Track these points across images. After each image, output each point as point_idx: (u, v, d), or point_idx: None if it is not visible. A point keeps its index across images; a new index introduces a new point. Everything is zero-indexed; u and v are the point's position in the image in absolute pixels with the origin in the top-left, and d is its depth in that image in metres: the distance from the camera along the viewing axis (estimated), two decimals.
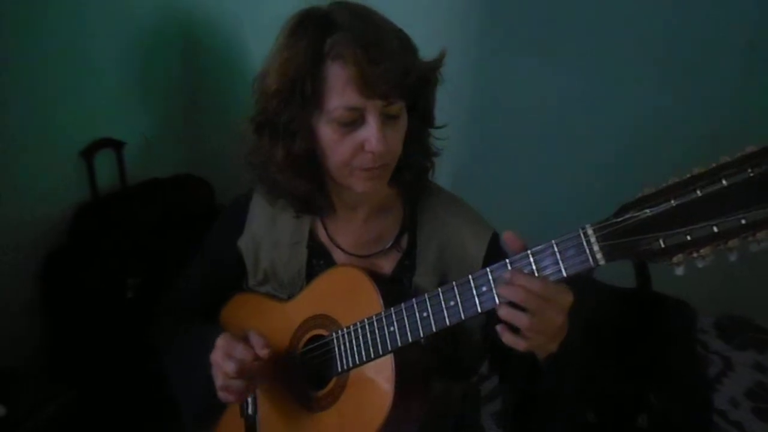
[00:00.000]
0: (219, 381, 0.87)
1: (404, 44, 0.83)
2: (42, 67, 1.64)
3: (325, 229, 0.99)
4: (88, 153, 1.80)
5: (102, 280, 1.62)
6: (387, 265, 0.97)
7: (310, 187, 0.90)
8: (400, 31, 0.84)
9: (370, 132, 0.81)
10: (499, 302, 0.73)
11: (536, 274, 0.72)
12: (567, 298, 0.73)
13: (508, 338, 0.72)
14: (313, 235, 1.00)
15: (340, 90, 0.80)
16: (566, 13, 1.86)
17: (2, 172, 1.57)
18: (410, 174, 0.93)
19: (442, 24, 1.98)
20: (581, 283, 1.47)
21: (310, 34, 0.80)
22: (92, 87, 1.79)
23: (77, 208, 1.77)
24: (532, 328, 0.70)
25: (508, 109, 2.02)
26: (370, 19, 0.82)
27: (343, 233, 0.99)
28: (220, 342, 0.88)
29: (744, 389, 1.53)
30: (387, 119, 0.83)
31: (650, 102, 1.84)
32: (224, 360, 0.86)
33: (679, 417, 1.28)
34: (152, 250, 1.72)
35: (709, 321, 1.87)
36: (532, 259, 0.72)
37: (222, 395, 0.89)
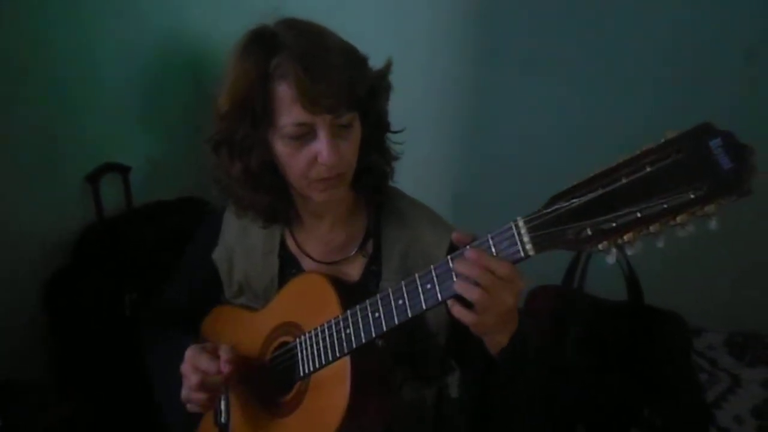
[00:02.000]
0: (183, 392, 0.90)
1: (349, 58, 0.85)
2: (49, 93, 1.73)
3: (294, 238, 1.02)
4: (94, 177, 1.86)
5: (101, 298, 1.67)
6: (354, 271, 0.98)
7: (270, 200, 0.93)
8: (346, 45, 0.87)
9: (321, 145, 0.84)
10: (456, 279, 0.73)
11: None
12: (520, 282, 0.73)
13: (457, 310, 0.73)
14: (283, 245, 1.03)
15: (287, 108, 0.83)
16: (563, 25, 1.88)
17: (9, 194, 1.65)
18: (371, 179, 0.95)
19: (440, 37, 2.03)
20: (574, 297, 1.46)
21: (256, 55, 0.84)
22: (99, 113, 1.86)
23: (83, 229, 1.83)
24: (483, 303, 0.71)
25: (508, 122, 2.03)
26: (314, 37, 0.84)
27: (311, 241, 1.01)
28: (188, 354, 0.91)
29: (750, 407, 1.47)
30: (338, 130, 0.85)
31: (648, 111, 1.83)
32: (190, 372, 0.89)
33: (673, 430, 1.24)
34: (153, 268, 1.76)
35: (719, 337, 1.82)
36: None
37: (188, 406, 0.91)
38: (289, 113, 0.83)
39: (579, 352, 1.32)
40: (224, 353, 0.89)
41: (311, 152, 0.85)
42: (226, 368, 0.88)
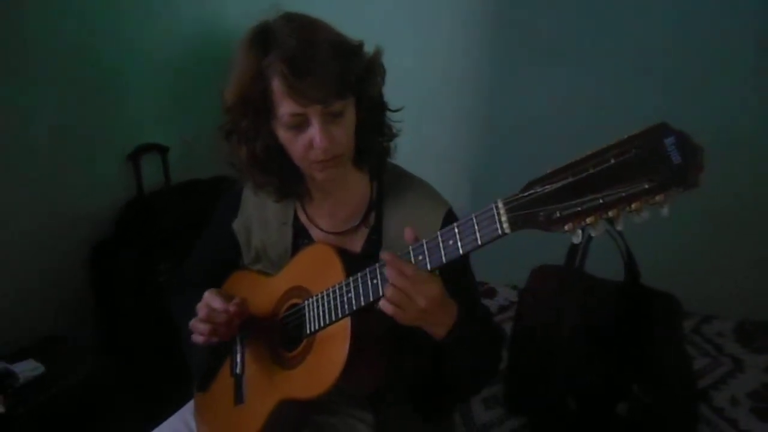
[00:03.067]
0: (190, 323, 1.02)
1: (338, 51, 0.93)
2: (96, 78, 1.88)
3: (305, 211, 1.12)
4: (135, 156, 2.03)
5: (139, 266, 1.83)
6: (358, 241, 1.08)
7: (279, 179, 1.04)
8: (336, 38, 0.96)
9: (314, 133, 0.94)
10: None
11: (459, 243, 0.81)
12: (432, 288, 0.84)
13: (381, 303, 0.86)
14: (296, 217, 1.14)
15: (281, 100, 0.93)
16: (575, 18, 1.92)
17: (59, 172, 1.82)
18: (371, 157, 1.05)
19: (458, 30, 2.09)
20: (574, 276, 1.53)
21: (253, 53, 0.93)
22: (141, 97, 2.02)
23: (124, 204, 1.99)
24: (394, 300, 0.84)
25: (524, 114, 2.08)
26: (304, 34, 0.93)
27: (319, 214, 1.11)
28: (206, 294, 1.03)
29: (749, 390, 1.51)
30: (331, 117, 0.94)
31: (659, 101, 1.86)
32: (202, 306, 1.02)
33: (660, 407, 1.30)
34: (186, 240, 1.91)
35: (729, 325, 1.84)
36: (456, 230, 0.81)
37: (193, 336, 1.03)
38: (284, 105, 0.93)
39: (574, 329, 1.38)
40: (237, 299, 1.02)
41: (307, 138, 0.95)
42: (233, 308, 1.00)
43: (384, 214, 1.07)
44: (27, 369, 1.48)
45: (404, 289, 0.83)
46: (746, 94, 1.75)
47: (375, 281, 0.91)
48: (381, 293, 0.87)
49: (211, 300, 1.01)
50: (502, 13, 2.00)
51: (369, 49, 1.01)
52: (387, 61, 2.13)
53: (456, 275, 1.02)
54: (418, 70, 2.16)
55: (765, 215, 1.90)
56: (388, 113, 1.07)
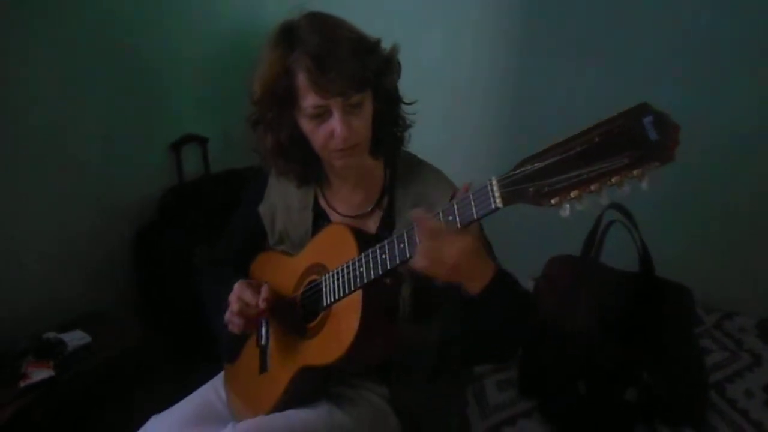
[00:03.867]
0: (226, 315, 1.12)
1: (357, 49, 1.01)
2: (142, 72, 2.01)
3: (324, 196, 1.21)
4: (177, 146, 2.16)
5: (178, 249, 1.95)
6: (373, 223, 1.16)
7: (301, 166, 1.13)
8: (356, 36, 1.03)
9: (335, 123, 1.02)
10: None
11: (457, 219, 0.87)
12: (461, 241, 0.87)
13: (413, 260, 0.88)
14: (316, 202, 1.22)
15: (305, 93, 1.01)
16: (604, 12, 1.94)
17: (107, 161, 1.96)
18: (386, 145, 1.12)
19: (486, 25, 2.13)
20: (590, 266, 1.57)
21: (280, 49, 1.02)
22: (183, 91, 2.14)
23: (166, 191, 2.13)
24: (425, 254, 0.87)
25: (547, 110, 2.11)
26: (326, 32, 1.01)
27: (337, 198, 1.20)
28: (236, 286, 1.13)
29: (764, 383, 1.51)
30: (350, 108, 1.02)
31: (681, 101, 1.87)
32: (234, 300, 1.10)
33: (668, 394, 1.33)
34: (222, 225, 2.03)
35: (751, 321, 1.84)
36: (455, 207, 0.88)
37: (229, 326, 1.12)
38: (307, 98, 1.01)
39: (588, 316, 1.42)
40: (264, 292, 1.10)
41: (328, 128, 1.03)
42: (263, 304, 1.09)
43: (396, 198, 1.15)
44: (75, 339, 1.62)
45: (434, 245, 0.86)
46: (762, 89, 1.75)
47: (384, 256, 0.97)
48: (408, 255, 0.91)
49: (242, 293, 1.10)
50: (531, 7, 2.03)
51: (386, 45, 1.09)
52: (415, 53, 2.20)
53: None
54: (447, 62, 2.22)
55: None
56: (403, 106, 1.15)
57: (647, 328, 1.37)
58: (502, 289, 0.95)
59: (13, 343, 1.62)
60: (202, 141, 2.25)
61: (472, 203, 0.86)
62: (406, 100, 1.15)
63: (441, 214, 0.89)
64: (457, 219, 0.86)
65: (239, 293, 1.11)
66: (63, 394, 1.48)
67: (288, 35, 1.03)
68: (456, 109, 2.24)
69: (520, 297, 1.03)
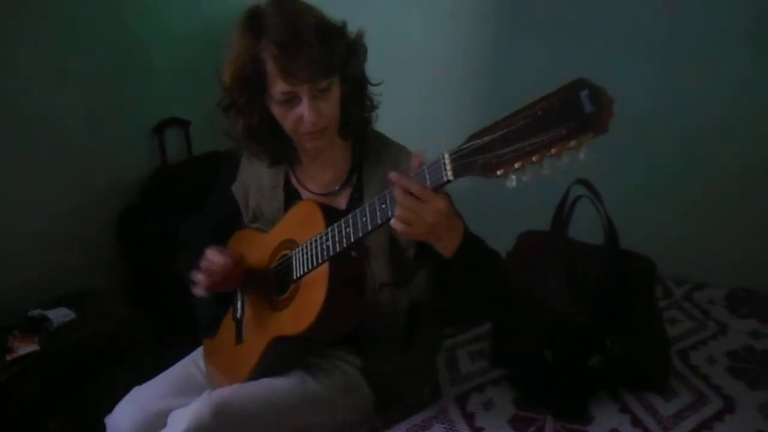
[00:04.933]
0: (193, 273, 1.16)
1: (321, 35, 1.03)
2: (121, 57, 2.04)
3: (295, 175, 1.25)
4: (160, 129, 2.19)
5: (161, 230, 1.99)
6: (342, 200, 1.20)
7: (271, 148, 1.17)
8: (322, 22, 1.06)
9: (303, 108, 1.05)
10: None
11: (429, 183, 0.89)
12: (439, 202, 0.89)
13: (392, 222, 0.91)
14: (288, 181, 1.26)
15: (273, 81, 1.04)
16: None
17: (90, 143, 1.99)
18: (353, 127, 1.16)
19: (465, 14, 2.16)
20: (560, 240, 1.62)
21: (247, 37, 1.04)
22: (165, 74, 2.17)
23: (149, 173, 2.16)
24: (403, 217, 0.89)
25: (526, 90, 2.14)
26: (291, 18, 1.03)
27: (308, 177, 1.24)
28: (207, 250, 1.17)
29: (727, 350, 1.56)
30: (318, 93, 1.06)
31: (658, 82, 1.91)
32: (203, 260, 1.15)
33: (630, 360, 1.38)
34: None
35: (720, 293, 1.89)
36: (426, 172, 0.91)
37: (193, 289, 1.16)
38: (276, 85, 1.04)
39: (557, 288, 1.47)
40: (231, 252, 1.16)
41: (297, 113, 1.07)
42: (224, 261, 1.13)
43: (365, 176, 1.19)
44: (60, 315, 1.67)
45: (412, 205, 0.88)
46: (743, 72, 1.78)
47: (348, 229, 1.01)
48: (390, 215, 0.93)
49: (210, 255, 1.15)
50: None
51: (365, 28, 1.12)
52: (396, 35, 2.21)
53: None
54: (427, 43, 2.25)
55: (763, 186, 1.94)
56: (370, 87, 1.19)
57: (612, 298, 1.42)
58: (473, 249, 1.00)
59: (1, 320, 1.67)
60: (185, 124, 2.27)
61: (427, 176, 0.90)
62: (372, 82, 1.19)
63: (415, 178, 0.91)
64: (428, 183, 0.89)
65: (208, 254, 1.16)
66: (48, 367, 1.54)
67: (254, 22, 1.06)
68: (436, 89, 2.27)
69: (490, 256, 1.08)
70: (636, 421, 1.29)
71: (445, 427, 1.28)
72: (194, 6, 2.21)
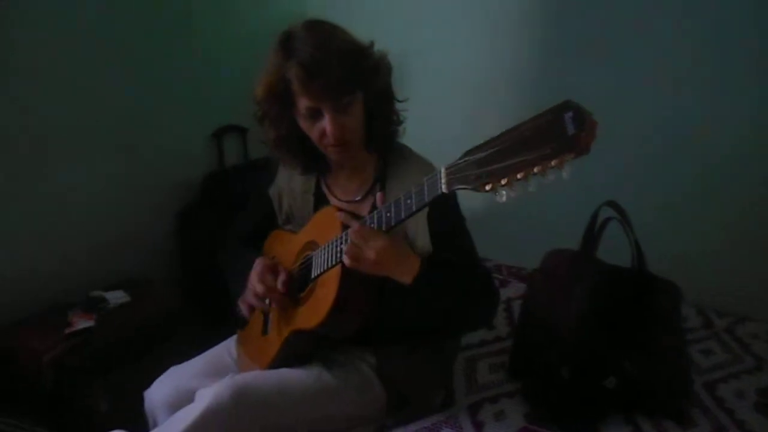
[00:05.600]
0: (247, 295, 1.28)
1: (345, 56, 1.13)
2: (185, 66, 2.22)
3: (325, 182, 1.34)
4: (218, 134, 2.36)
5: (217, 228, 2.14)
6: (366, 208, 1.28)
7: (302, 157, 1.28)
8: (347, 44, 1.15)
9: (326, 123, 1.15)
10: None
11: (413, 201, 0.98)
12: (377, 241, 1.04)
13: (344, 258, 1.06)
14: (318, 187, 1.36)
15: (299, 97, 1.14)
16: (615, 16, 1.98)
17: (154, 144, 2.18)
18: (378, 139, 1.24)
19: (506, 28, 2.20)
20: (586, 260, 1.64)
21: (279, 56, 1.15)
22: (225, 83, 2.33)
23: (207, 174, 2.33)
24: (350, 254, 1.05)
25: None
26: (318, 42, 1.12)
27: (336, 185, 1.33)
28: (257, 264, 1.27)
29: (759, 386, 1.50)
30: (341, 108, 1.15)
31: (690, 106, 1.88)
32: (256, 281, 1.25)
33: (646, 385, 1.37)
34: None
35: (765, 327, 1.82)
36: (413, 192, 0.99)
37: (241, 305, 1.29)
38: (301, 101, 1.14)
39: (580, 306, 1.48)
40: (282, 275, 1.25)
41: (321, 127, 1.16)
42: (281, 288, 1.24)
43: (387, 187, 1.26)
44: (116, 297, 1.85)
45: (356, 244, 1.04)
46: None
47: (389, 214, 1.08)
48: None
49: (264, 276, 1.25)
50: (550, 12, 2.09)
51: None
52: (443, 55, 2.29)
53: (449, 238, 1.20)
54: (471, 64, 2.30)
55: None
56: (396, 103, 1.26)
57: (634, 321, 1.42)
58: (432, 278, 1.09)
59: (65, 298, 1.86)
60: (242, 131, 2.44)
61: (425, 189, 0.97)
62: (399, 98, 1.26)
63: (366, 220, 1.05)
64: (375, 224, 1.04)
65: (261, 275, 1.25)
66: (100, 342, 1.70)
67: (286, 44, 1.16)
68: (478, 108, 2.32)
69: (462, 280, 1.15)
70: None
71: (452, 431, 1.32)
72: (254, 22, 2.37)
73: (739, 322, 1.86)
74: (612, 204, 1.50)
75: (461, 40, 2.30)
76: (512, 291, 1.97)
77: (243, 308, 1.34)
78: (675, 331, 1.43)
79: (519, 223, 1.99)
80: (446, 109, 2.30)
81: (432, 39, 2.32)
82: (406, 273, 1.08)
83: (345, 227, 1.15)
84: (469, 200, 1.34)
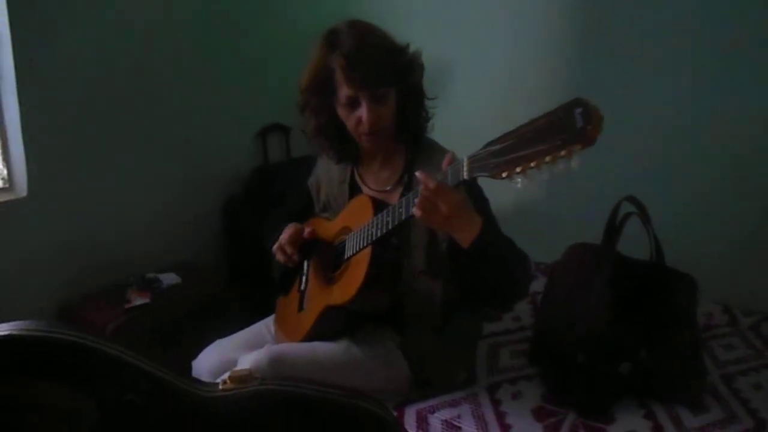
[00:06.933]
0: (276, 243, 1.40)
1: (383, 51, 1.25)
2: (234, 67, 2.39)
3: (359, 173, 1.46)
4: (263, 133, 2.51)
5: (259, 218, 2.29)
6: (395, 197, 1.39)
7: (338, 146, 1.40)
8: (385, 42, 1.27)
9: (362, 111, 1.26)
10: None
11: (449, 179, 1.06)
12: (453, 196, 1.06)
13: (414, 211, 1.09)
14: (352, 177, 1.48)
15: (340, 86, 1.27)
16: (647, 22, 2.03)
17: (204, 143, 2.35)
18: (408, 133, 1.35)
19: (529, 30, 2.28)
20: (608, 252, 1.72)
21: (324, 49, 1.28)
22: (271, 84, 2.49)
23: (252, 170, 2.49)
24: (422, 206, 1.07)
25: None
26: (360, 37, 1.25)
27: (369, 176, 1.45)
28: (288, 226, 1.42)
29: None
30: (377, 99, 1.26)
31: (711, 104, 1.92)
32: (284, 233, 1.39)
33: (659, 372, 1.43)
34: None
35: None
36: (438, 178, 1.09)
37: (278, 255, 1.40)
38: (341, 89, 1.27)
39: (600, 297, 1.55)
40: (308, 229, 1.40)
41: (357, 115, 1.28)
42: (306, 232, 1.38)
43: (414, 177, 1.37)
44: (169, 278, 2.02)
45: (429, 197, 1.06)
46: None
47: (388, 219, 1.20)
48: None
49: (291, 228, 1.40)
50: (588, 20, 2.16)
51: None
52: (481, 59, 2.38)
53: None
54: (507, 69, 2.39)
55: None
56: (427, 101, 1.38)
57: (651, 311, 1.48)
58: (489, 242, 1.14)
59: (124, 278, 2.05)
60: (285, 130, 2.59)
61: (449, 176, 1.07)
62: (429, 96, 1.38)
63: (438, 176, 1.09)
64: (449, 179, 1.07)
65: (289, 229, 1.41)
66: (155, 317, 1.88)
67: (331, 38, 1.30)
68: (513, 109, 2.40)
69: (509, 251, 1.21)
70: (657, 428, 1.34)
71: (471, 407, 1.41)
72: (301, 24, 2.51)
73: (765, 320, 1.88)
74: (631, 199, 1.57)
75: (494, 44, 2.39)
76: (539, 285, 2.04)
77: (278, 256, 1.43)
78: (690, 321, 1.49)
79: (545, 220, 2.06)
80: (478, 109, 2.39)
81: (467, 42, 2.43)
82: (467, 233, 1.12)
83: (380, 208, 1.26)
84: (497, 196, 1.43)
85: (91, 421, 0.61)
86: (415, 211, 1.09)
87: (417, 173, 1.09)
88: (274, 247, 1.41)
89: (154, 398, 0.61)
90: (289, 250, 1.39)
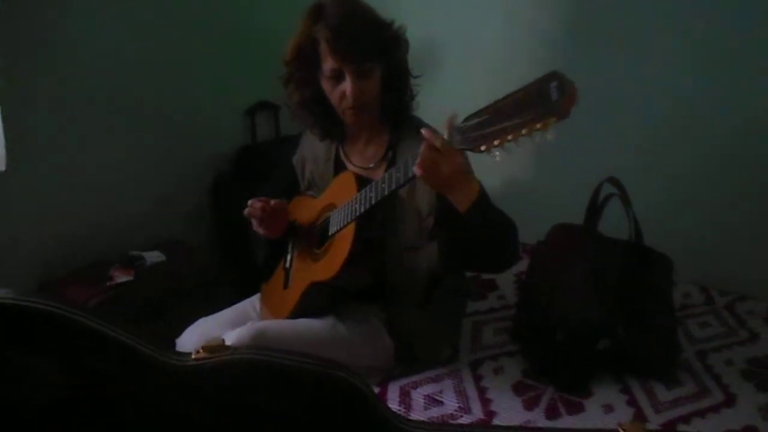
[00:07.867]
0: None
1: (368, 26, 1.26)
2: (224, 45, 2.37)
3: (343, 150, 1.47)
4: (251, 111, 2.51)
5: (247, 196, 2.30)
6: (379, 174, 1.39)
7: (322, 121, 1.39)
8: (371, 16, 1.28)
9: (346, 85, 1.27)
10: None
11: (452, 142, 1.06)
12: (455, 158, 1.06)
13: (414, 168, 1.08)
14: (337, 154, 1.49)
15: (324, 58, 1.27)
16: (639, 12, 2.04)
17: (192, 121, 2.34)
18: (392, 110, 1.36)
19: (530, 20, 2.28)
20: (588, 232, 1.74)
21: (309, 22, 1.28)
22: (258, 61, 2.46)
23: (240, 149, 2.49)
24: (423, 164, 1.06)
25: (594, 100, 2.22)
26: (345, 11, 1.25)
27: (353, 153, 1.46)
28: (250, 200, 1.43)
29: (750, 356, 1.57)
30: (361, 73, 1.27)
31: (693, 88, 1.94)
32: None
33: (635, 348, 1.47)
34: None
35: (763, 305, 1.87)
36: (419, 152, 1.10)
37: (256, 228, 1.42)
38: (326, 62, 1.27)
39: (580, 275, 1.59)
40: (279, 201, 1.40)
41: (341, 89, 1.29)
42: (270, 204, 1.38)
43: (398, 154, 1.39)
44: (153, 256, 2.03)
45: (432, 156, 1.05)
46: None
47: (371, 194, 1.20)
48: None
49: (251, 202, 1.42)
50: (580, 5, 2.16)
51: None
52: (473, 45, 2.38)
53: None
54: (501, 53, 2.39)
55: None
56: (411, 79, 1.38)
57: (629, 290, 1.51)
58: (485, 207, 1.16)
59: (108, 256, 2.05)
60: (275, 108, 2.58)
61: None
62: (414, 74, 1.38)
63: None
64: (452, 142, 1.06)
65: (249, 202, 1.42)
66: (138, 295, 1.88)
67: (316, 10, 1.30)
68: (504, 90, 2.40)
69: (502, 218, 1.23)
70: (632, 401, 1.38)
71: (453, 383, 1.44)
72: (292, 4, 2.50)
73: (740, 299, 1.93)
74: (612, 180, 1.59)
75: (485, 25, 2.39)
76: (522, 265, 2.08)
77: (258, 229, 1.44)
78: (666, 300, 1.53)
79: (528, 201, 2.08)
80: (467, 89, 2.39)
81: (457, 22, 2.42)
82: (466, 196, 1.12)
83: (363, 184, 1.27)
84: (480, 177, 1.44)
85: (61, 390, 0.62)
86: (416, 169, 1.07)
87: (422, 130, 1.08)
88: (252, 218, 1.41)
89: (125, 366, 0.62)
90: (258, 204, 1.38)
